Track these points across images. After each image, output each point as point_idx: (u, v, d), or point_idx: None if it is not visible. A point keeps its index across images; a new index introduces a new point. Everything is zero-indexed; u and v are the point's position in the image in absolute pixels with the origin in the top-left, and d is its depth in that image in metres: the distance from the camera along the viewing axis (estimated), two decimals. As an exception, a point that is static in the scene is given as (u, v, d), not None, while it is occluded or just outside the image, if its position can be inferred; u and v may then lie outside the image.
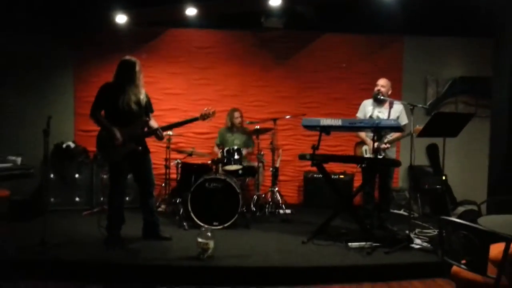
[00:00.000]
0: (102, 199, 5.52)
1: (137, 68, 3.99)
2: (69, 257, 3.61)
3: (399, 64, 6.56)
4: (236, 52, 6.50)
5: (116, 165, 4.01)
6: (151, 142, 4.28)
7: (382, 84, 4.82)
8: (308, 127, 4.54)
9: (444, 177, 5.51)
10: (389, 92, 4.87)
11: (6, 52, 5.98)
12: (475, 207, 4.98)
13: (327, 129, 4.38)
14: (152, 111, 4.25)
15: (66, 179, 5.56)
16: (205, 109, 4.28)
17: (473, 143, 6.26)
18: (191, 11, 5.56)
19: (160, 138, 4.15)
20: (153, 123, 4.17)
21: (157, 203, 5.52)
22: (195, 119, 4.27)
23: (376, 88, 4.82)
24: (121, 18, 5.73)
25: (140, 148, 4.04)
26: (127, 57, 4.05)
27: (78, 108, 6.26)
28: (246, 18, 6.11)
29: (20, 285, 3.32)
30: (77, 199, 5.60)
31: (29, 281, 3.38)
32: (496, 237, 2.30)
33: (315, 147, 4.32)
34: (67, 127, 6.21)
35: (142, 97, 4.04)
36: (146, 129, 4.14)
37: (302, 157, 4.55)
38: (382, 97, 4.75)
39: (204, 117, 4.25)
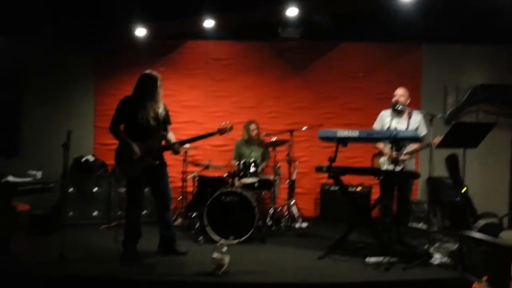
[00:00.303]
0: (119, 213, 5.56)
1: (158, 83, 4.04)
2: (86, 272, 3.64)
3: (418, 73, 6.47)
4: (253, 63, 6.53)
5: (134, 179, 4.05)
6: (167, 155, 4.31)
7: (401, 93, 4.74)
8: (324, 139, 4.51)
9: (464, 189, 5.36)
10: (408, 102, 4.79)
11: (27, 64, 6.14)
12: (496, 220, 4.82)
13: (344, 141, 4.33)
14: (170, 123, 4.28)
15: (85, 193, 5.63)
16: (223, 123, 4.28)
17: (495, 153, 6.09)
18: (208, 23, 5.63)
19: (176, 152, 4.17)
20: (171, 137, 4.20)
21: (174, 217, 5.54)
22: (212, 134, 4.28)
23: (394, 98, 4.74)
24: (140, 31, 5.84)
25: (157, 162, 4.07)
26: (148, 71, 4.10)
27: (98, 121, 6.37)
28: (263, 29, 6.15)
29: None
30: (95, 213, 5.67)
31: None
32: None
33: (332, 159, 4.27)
34: (87, 140, 6.32)
35: (161, 111, 4.08)
36: (164, 142, 4.17)
37: (318, 169, 4.50)
38: (400, 107, 4.67)
39: (221, 131, 4.25)
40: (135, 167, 3.97)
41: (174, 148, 4.10)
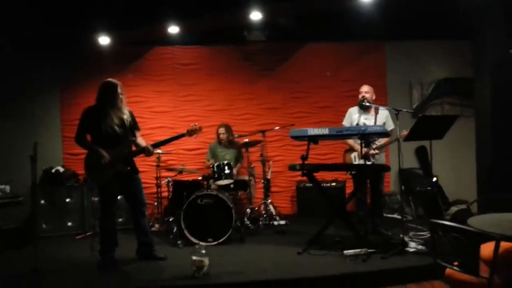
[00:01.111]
0: (94, 222, 5.47)
1: (119, 90, 3.98)
2: (62, 284, 3.56)
3: (383, 70, 6.64)
4: (221, 67, 6.54)
5: (105, 187, 3.99)
6: (140, 161, 4.28)
7: (366, 90, 4.87)
8: (296, 138, 4.57)
9: (434, 178, 5.56)
10: (374, 98, 4.93)
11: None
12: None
13: (315, 139, 4.40)
14: (138, 129, 4.23)
15: (57, 204, 5.50)
16: (192, 125, 4.29)
17: (461, 142, 6.33)
18: (173, 29, 5.60)
19: (150, 153, 4.10)
20: (141, 141, 4.15)
21: (151, 223, 5.48)
22: (182, 135, 4.28)
23: (360, 95, 4.88)
24: (104, 40, 5.76)
25: (128, 168, 4.02)
26: (109, 80, 4.05)
27: (65, 131, 6.21)
28: (229, 33, 6.18)
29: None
30: (69, 223, 5.54)
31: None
32: (486, 237, 2.31)
33: (304, 157, 4.33)
34: (55, 151, 6.15)
35: (126, 117, 4.03)
36: (133, 148, 4.13)
37: (292, 167, 4.57)
38: (367, 104, 4.80)
39: (190, 133, 4.26)
40: (106, 175, 3.91)
41: (146, 150, 4.04)
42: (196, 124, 4.31)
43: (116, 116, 3.94)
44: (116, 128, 3.93)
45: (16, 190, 4.72)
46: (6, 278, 3.63)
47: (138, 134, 4.21)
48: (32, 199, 4.48)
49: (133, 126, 4.16)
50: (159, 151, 5.26)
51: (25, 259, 4.12)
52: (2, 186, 4.62)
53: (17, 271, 3.81)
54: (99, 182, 4.00)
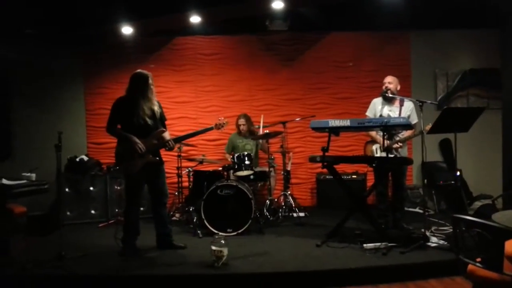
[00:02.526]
0: (117, 210, 5.59)
1: (150, 81, 4.04)
2: (85, 271, 3.65)
3: (407, 60, 6.50)
4: (242, 57, 6.53)
5: (133, 177, 4.05)
6: (162, 151, 4.31)
7: (389, 81, 4.78)
8: (316, 129, 4.53)
9: (458, 172, 5.43)
10: (398, 89, 4.83)
11: (13, 67, 6.10)
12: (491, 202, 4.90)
13: (336, 130, 4.36)
14: (165, 119, 4.30)
15: (81, 193, 5.63)
16: (219, 118, 4.34)
17: (487, 135, 6.16)
18: (195, 19, 5.60)
19: (170, 149, 4.16)
20: (166, 134, 4.21)
21: (171, 212, 5.56)
22: (210, 129, 4.32)
23: (383, 86, 4.79)
24: (126, 30, 5.81)
25: (157, 159, 4.09)
26: (139, 71, 4.09)
27: (90, 121, 6.35)
28: (250, 23, 6.16)
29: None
30: (92, 211, 5.67)
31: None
32: (511, 233, 2.25)
33: (324, 149, 4.30)
34: (80, 140, 6.29)
35: (156, 108, 4.09)
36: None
37: (312, 159, 4.54)
38: (391, 95, 4.71)
39: (218, 126, 4.30)
40: (136, 164, 3.97)
41: (167, 144, 4.07)
42: (224, 118, 4.37)
43: (147, 107, 4.00)
44: (148, 119, 3.99)
45: (41, 178, 4.83)
46: (32, 264, 3.73)
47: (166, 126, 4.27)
48: (57, 187, 4.59)
49: (162, 117, 4.21)
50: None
51: (50, 245, 4.24)
52: (28, 174, 4.72)
53: (43, 257, 3.90)
54: (129, 171, 4.04)
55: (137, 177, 4.04)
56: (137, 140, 3.93)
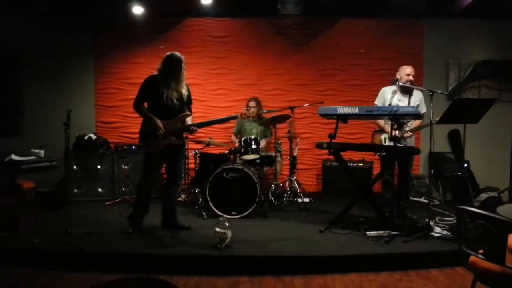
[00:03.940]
0: (123, 189, 5.65)
1: (183, 64, 4.07)
2: (91, 247, 3.71)
3: (419, 49, 6.40)
4: (253, 41, 6.47)
5: (153, 156, 4.10)
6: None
7: (413, 74, 4.67)
8: (324, 116, 4.51)
9: (466, 164, 5.40)
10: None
11: (24, 44, 6.11)
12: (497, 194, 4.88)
13: (344, 117, 4.34)
14: (191, 103, 4.34)
15: (89, 170, 5.69)
16: (245, 108, 4.48)
17: (497, 128, 6.10)
18: (206, 0, 5.56)
19: (192, 132, 4.25)
20: (189, 119, 4.25)
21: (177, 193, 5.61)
22: (235, 117, 4.44)
23: (408, 78, 4.65)
24: (137, 9, 5.80)
25: (181, 142, 4.15)
26: (174, 53, 4.10)
27: (99, 100, 6.38)
28: (262, 6, 6.08)
29: (44, 275, 3.44)
30: (99, 189, 5.73)
31: (52, 270, 3.50)
32: (514, 227, 2.25)
33: (332, 136, 4.29)
34: (89, 119, 6.33)
35: (184, 91, 4.12)
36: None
37: (319, 145, 4.53)
38: (401, 84, 4.64)
39: (243, 116, 4.38)
40: (158, 145, 4.03)
41: (191, 129, 4.15)
42: (248, 109, 4.51)
43: (176, 90, 4.04)
44: (175, 101, 4.03)
45: (50, 155, 4.88)
46: (39, 239, 3.80)
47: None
48: (65, 164, 4.65)
49: (188, 101, 4.25)
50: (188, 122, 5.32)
51: (57, 221, 4.31)
52: (37, 151, 4.78)
53: (50, 232, 3.97)
54: (151, 150, 4.09)
55: (158, 157, 4.11)
56: (160, 125, 3.99)
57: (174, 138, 4.08)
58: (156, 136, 4.00)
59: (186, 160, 5.58)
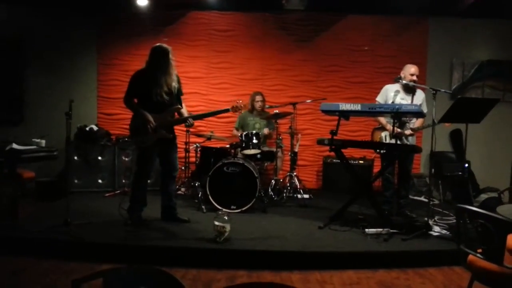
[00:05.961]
0: (124, 181, 5.66)
1: (170, 55, 4.00)
2: (90, 238, 3.72)
3: (424, 47, 6.38)
4: (256, 35, 6.45)
5: (146, 150, 4.09)
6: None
7: (417, 73, 4.64)
8: (326, 112, 4.50)
9: (467, 164, 5.38)
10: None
11: (28, 34, 6.11)
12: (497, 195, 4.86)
13: (346, 114, 4.32)
14: (182, 94, 4.29)
15: (90, 161, 5.70)
16: (238, 101, 4.34)
17: (499, 128, 6.09)
18: (211, -6, 5.55)
19: (190, 125, 4.22)
20: (184, 111, 4.22)
21: (177, 186, 5.60)
22: (226, 110, 4.33)
23: (412, 78, 4.63)
24: (142, 1, 5.78)
25: (171, 135, 4.13)
26: (160, 44, 4.05)
27: (101, 91, 6.38)
28: (266, 0, 6.06)
29: (43, 264, 3.45)
30: (100, 181, 5.74)
31: (52, 259, 3.51)
32: (513, 227, 2.25)
33: (333, 133, 4.27)
34: (91, 110, 6.34)
35: (174, 84, 4.07)
36: (176, 115, 4.21)
37: (320, 142, 4.52)
38: (404, 82, 4.61)
39: (235, 109, 4.32)
40: (149, 139, 4.01)
41: (188, 121, 4.13)
42: (241, 101, 4.36)
43: (165, 83, 3.99)
44: (164, 95, 4.00)
45: (51, 145, 4.89)
46: (39, 229, 3.81)
47: (182, 99, 4.28)
48: (66, 154, 4.65)
49: (179, 92, 4.21)
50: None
51: (57, 211, 4.32)
52: (38, 140, 4.78)
53: (50, 222, 3.98)
54: (142, 144, 4.08)
55: (150, 151, 4.10)
56: (150, 119, 3.96)
57: (164, 132, 4.06)
58: (146, 130, 3.97)
59: (188, 154, 5.58)
